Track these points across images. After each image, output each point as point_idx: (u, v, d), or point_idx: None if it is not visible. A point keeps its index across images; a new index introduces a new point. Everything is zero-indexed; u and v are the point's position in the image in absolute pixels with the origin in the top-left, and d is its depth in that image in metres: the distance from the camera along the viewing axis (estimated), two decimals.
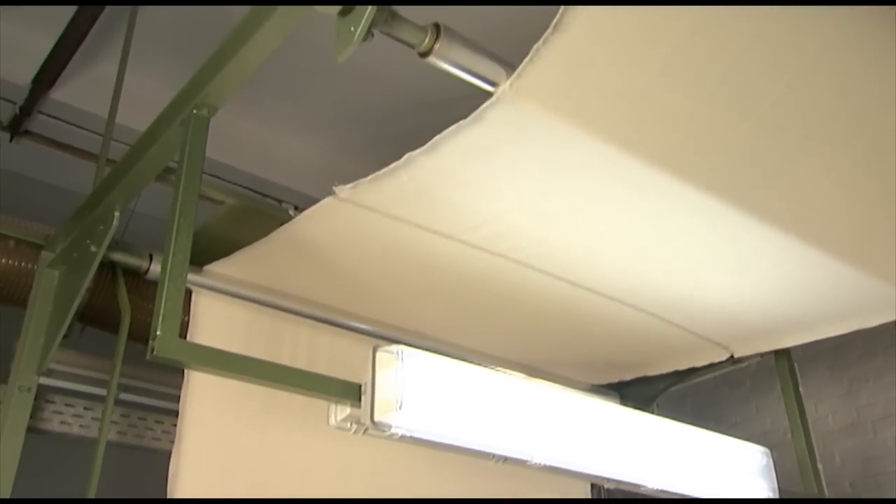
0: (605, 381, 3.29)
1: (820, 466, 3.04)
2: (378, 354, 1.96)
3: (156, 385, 2.81)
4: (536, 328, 2.79)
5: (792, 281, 2.39)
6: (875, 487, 4.01)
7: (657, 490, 2.48)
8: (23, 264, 2.39)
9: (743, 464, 2.61)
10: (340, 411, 2.00)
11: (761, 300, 2.55)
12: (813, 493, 2.97)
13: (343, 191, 2.02)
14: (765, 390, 4.49)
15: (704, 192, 1.97)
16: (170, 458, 2.28)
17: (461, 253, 2.30)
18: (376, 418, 1.92)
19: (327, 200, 2.07)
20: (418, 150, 1.82)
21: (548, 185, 2.01)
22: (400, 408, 1.90)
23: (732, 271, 2.38)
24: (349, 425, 2.00)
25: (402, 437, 2.00)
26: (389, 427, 1.95)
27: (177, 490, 2.23)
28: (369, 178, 1.94)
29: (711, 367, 3.08)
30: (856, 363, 4.28)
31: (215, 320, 2.44)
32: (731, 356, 2.96)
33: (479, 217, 2.15)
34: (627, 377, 3.21)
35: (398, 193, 2.02)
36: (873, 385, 4.18)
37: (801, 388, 3.16)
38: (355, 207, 2.09)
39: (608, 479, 2.45)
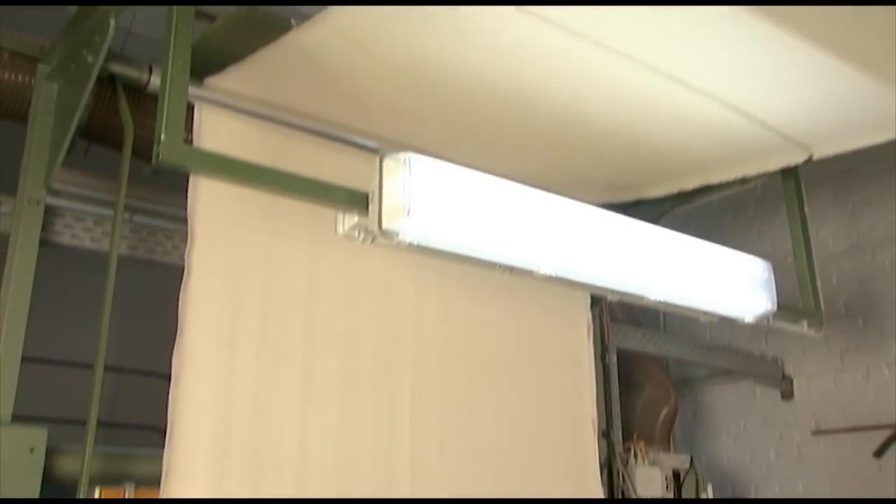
0: (626, 199, 3.18)
1: (818, 283, 3.10)
2: (385, 162, 1.95)
3: (164, 206, 2.82)
4: (549, 143, 2.73)
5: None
6: (868, 306, 4.12)
7: (659, 302, 2.55)
8: (19, 78, 2.33)
9: (745, 276, 2.66)
10: (348, 220, 2.01)
11: (842, 94, 2.35)
12: (810, 308, 3.04)
13: None
14: (767, 215, 4.52)
15: None
16: (180, 272, 2.31)
17: (499, 44, 2.14)
18: (384, 225, 1.94)
19: None
20: None
21: None
22: (408, 214, 1.91)
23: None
24: (357, 234, 2.02)
25: (410, 245, 2.02)
26: (397, 234, 1.98)
27: (188, 305, 2.28)
28: None
29: (717, 188, 3.06)
30: (860, 188, 4.29)
31: (218, 135, 2.40)
32: (811, 157, 2.74)
33: None
34: (689, 186, 3.00)
35: None
36: (876, 209, 4.21)
37: (805, 209, 3.18)
38: None
39: (612, 291, 2.51)
